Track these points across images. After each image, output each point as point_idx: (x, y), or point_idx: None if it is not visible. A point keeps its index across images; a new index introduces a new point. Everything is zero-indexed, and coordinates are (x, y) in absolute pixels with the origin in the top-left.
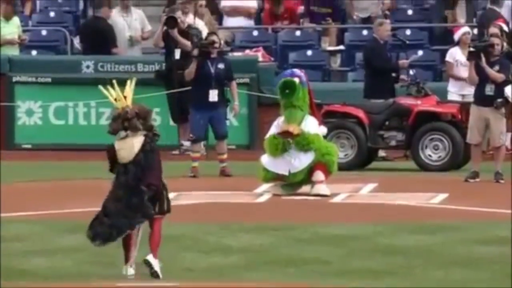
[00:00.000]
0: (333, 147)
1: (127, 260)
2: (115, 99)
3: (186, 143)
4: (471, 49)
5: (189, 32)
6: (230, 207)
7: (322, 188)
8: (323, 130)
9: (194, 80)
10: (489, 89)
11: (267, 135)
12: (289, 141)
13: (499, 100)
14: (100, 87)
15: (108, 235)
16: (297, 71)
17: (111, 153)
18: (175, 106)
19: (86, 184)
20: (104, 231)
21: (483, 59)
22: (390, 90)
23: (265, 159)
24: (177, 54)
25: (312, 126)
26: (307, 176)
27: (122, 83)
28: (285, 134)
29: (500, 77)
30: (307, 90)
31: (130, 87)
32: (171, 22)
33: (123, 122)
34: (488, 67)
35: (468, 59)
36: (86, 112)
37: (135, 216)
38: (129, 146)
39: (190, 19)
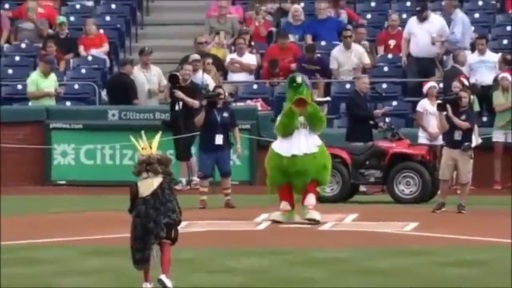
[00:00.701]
0: (327, 153)
1: (146, 278)
2: (142, 148)
3: (195, 179)
4: (439, 101)
5: (194, 88)
6: (233, 234)
7: (315, 214)
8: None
9: (203, 126)
10: (457, 135)
11: (277, 121)
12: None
13: (466, 143)
14: (131, 137)
15: (138, 258)
16: (303, 75)
17: (134, 189)
18: (180, 147)
19: (110, 214)
20: (135, 256)
21: (449, 109)
22: (368, 134)
23: (277, 146)
24: (180, 105)
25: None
26: (313, 166)
27: (142, 128)
28: (299, 101)
29: (465, 125)
30: (310, 92)
31: (156, 139)
32: (173, 79)
33: (146, 166)
34: (454, 117)
35: (438, 109)
36: (112, 154)
37: (150, 238)
38: (149, 184)
39: (199, 74)
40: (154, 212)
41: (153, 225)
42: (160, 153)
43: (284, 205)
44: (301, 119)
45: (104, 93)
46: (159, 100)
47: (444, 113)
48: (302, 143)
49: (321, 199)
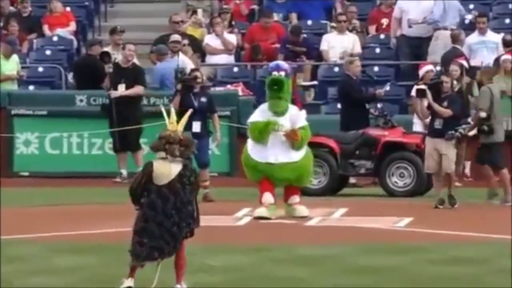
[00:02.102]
0: (310, 157)
1: (178, 279)
2: (170, 122)
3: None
4: (419, 86)
5: (136, 71)
6: (212, 230)
7: (302, 210)
8: (304, 114)
9: (178, 112)
10: (438, 123)
11: (250, 120)
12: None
13: (450, 132)
14: (161, 107)
15: (148, 255)
16: (282, 64)
17: (149, 169)
18: (116, 137)
19: (78, 209)
20: (141, 251)
21: (429, 95)
22: (366, 120)
23: (252, 149)
24: (121, 88)
25: (298, 118)
26: (293, 174)
27: None
28: (291, 136)
29: (447, 112)
30: (291, 79)
31: (186, 117)
32: (104, 57)
33: (165, 143)
34: (435, 104)
35: (417, 95)
36: (79, 143)
37: (176, 243)
38: (167, 169)
39: (180, 57)
40: (177, 214)
41: (176, 230)
42: (184, 135)
43: (267, 197)
44: (281, 120)
45: (70, 77)
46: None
47: (425, 100)
48: (279, 150)
49: (307, 192)
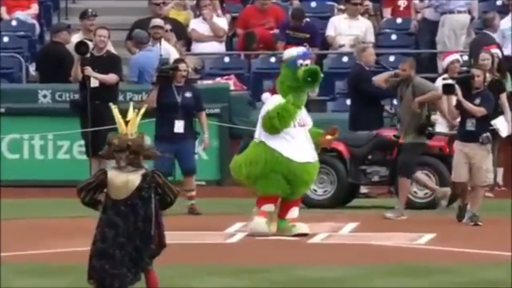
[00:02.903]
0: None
1: None
2: (119, 124)
3: None
4: (447, 81)
5: (111, 59)
6: (199, 248)
7: (303, 227)
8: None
9: (157, 109)
10: (470, 124)
11: (272, 107)
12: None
13: (485, 135)
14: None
15: (107, 283)
16: (308, 51)
17: (101, 179)
18: (90, 139)
19: (43, 224)
20: (108, 280)
21: (459, 92)
22: (379, 119)
23: (276, 143)
24: (95, 82)
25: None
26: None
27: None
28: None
29: (480, 111)
30: None
31: (137, 114)
32: (81, 47)
33: (113, 151)
34: (466, 101)
35: (444, 92)
36: (43, 146)
37: (137, 271)
38: (123, 182)
39: (163, 45)
40: (138, 236)
41: (136, 256)
42: (136, 137)
43: (268, 206)
44: (302, 111)
45: (33, 68)
46: None
47: (453, 97)
48: (307, 147)
49: (309, 203)
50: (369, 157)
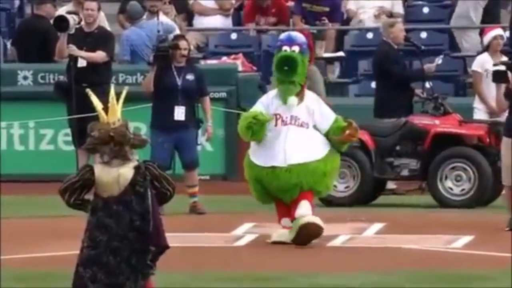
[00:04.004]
0: (337, 159)
1: None
2: (100, 112)
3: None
4: (497, 68)
5: (103, 36)
6: (202, 252)
7: (313, 218)
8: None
9: (154, 93)
10: None
11: (249, 112)
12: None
13: None
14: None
15: None
16: (297, 36)
17: (85, 175)
18: (76, 127)
19: (23, 224)
20: None
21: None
22: (408, 105)
23: (252, 147)
24: (82, 61)
25: (321, 107)
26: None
27: None
28: (350, 136)
29: None
30: (309, 56)
31: (117, 99)
32: (61, 23)
33: (97, 144)
34: None
35: (494, 80)
36: (23, 135)
37: (136, 278)
38: (113, 177)
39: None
40: (136, 237)
41: (136, 260)
42: (119, 126)
43: (286, 221)
44: (294, 110)
45: (10, 46)
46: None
47: (502, 85)
48: (289, 147)
49: (329, 201)
50: (397, 148)
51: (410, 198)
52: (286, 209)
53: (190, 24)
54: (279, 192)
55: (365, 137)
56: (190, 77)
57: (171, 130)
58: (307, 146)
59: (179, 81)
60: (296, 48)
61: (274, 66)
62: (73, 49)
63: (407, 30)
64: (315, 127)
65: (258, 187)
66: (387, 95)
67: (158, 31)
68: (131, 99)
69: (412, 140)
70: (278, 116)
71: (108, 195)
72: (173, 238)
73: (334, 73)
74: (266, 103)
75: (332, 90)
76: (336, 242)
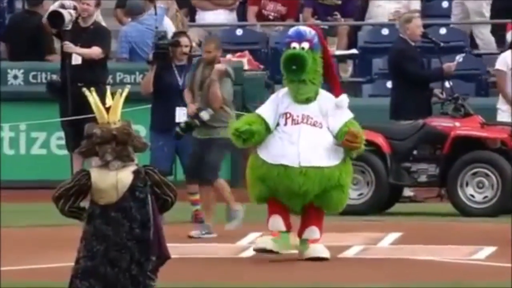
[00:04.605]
0: (350, 170)
1: None
2: (99, 112)
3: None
4: None
5: (99, 32)
6: (206, 263)
7: (320, 250)
8: (345, 100)
9: (154, 94)
10: None
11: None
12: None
13: None
14: (85, 89)
15: None
16: (306, 31)
17: (81, 181)
18: (70, 129)
19: (17, 234)
20: None
21: None
22: (426, 107)
23: (262, 149)
24: (77, 57)
25: (337, 106)
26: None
27: None
28: (350, 142)
29: None
30: (321, 51)
31: (119, 97)
32: (54, 19)
33: (95, 144)
34: None
35: None
36: (13, 138)
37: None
38: (111, 181)
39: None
40: (136, 245)
41: (137, 270)
42: (121, 125)
43: (275, 222)
44: (306, 110)
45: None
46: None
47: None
48: (303, 146)
49: (342, 210)
50: (415, 152)
51: (428, 206)
52: (282, 207)
53: (192, 19)
54: (288, 196)
55: (380, 140)
56: None
57: (172, 133)
58: (322, 149)
59: (180, 81)
60: (305, 45)
61: (281, 65)
62: (68, 46)
63: (425, 26)
64: (328, 129)
65: (261, 186)
66: (404, 95)
67: (156, 27)
68: (129, 99)
69: (431, 143)
70: (288, 115)
71: (106, 202)
72: (173, 249)
73: (347, 71)
74: (276, 102)
75: (345, 90)
76: (349, 253)
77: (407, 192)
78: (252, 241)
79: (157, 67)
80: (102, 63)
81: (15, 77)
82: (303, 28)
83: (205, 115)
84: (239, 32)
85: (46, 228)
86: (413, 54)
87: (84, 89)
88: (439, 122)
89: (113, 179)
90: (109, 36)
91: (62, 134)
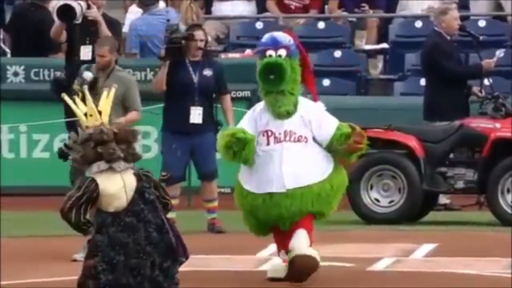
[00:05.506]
0: (343, 176)
1: None
2: (86, 114)
3: None
4: None
5: (110, 25)
6: (222, 276)
7: (305, 248)
8: (322, 107)
9: (166, 92)
10: None
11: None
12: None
13: None
14: (64, 95)
15: None
16: (281, 37)
17: (91, 187)
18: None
19: (18, 244)
20: None
21: None
22: (463, 106)
23: (243, 171)
24: (87, 52)
25: (320, 116)
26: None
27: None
28: (355, 144)
29: None
30: (299, 58)
31: (107, 98)
32: (67, 12)
33: (95, 147)
34: None
35: None
36: (13, 140)
37: None
38: (119, 186)
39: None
40: (154, 249)
41: (160, 274)
42: (117, 124)
43: (284, 254)
44: (286, 124)
45: (1, 37)
46: None
47: None
48: (287, 169)
49: (371, 218)
50: (451, 156)
51: (465, 215)
52: (285, 238)
53: (208, 11)
54: (278, 220)
55: (413, 143)
56: (207, 73)
57: (186, 135)
58: (308, 165)
59: (195, 78)
60: (282, 52)
61: (258, 75)
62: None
63: (462, 18)
64: (314, 139)
65: (252, 219)
66: (439, 94)
67: (168, 20)
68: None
69: (469, 146)
70: (269, 133)
71: (115, 208)
72: (188, 261)
73: (377, 68)
74: (254, 118)
75: (375, 88)
76: (379, 266)
77: (443, 199)
78: (272, 253)
79: (170, 63)
80: (112, 59)
81: (16, 74)
82: (278, 34)
83: (87, 76)
84: (259, 25)
85: (48, 238)
86: (449, 49)
87: (63, 95)
88: (477, 123)
89: (121, 182)
90: (120, 28)
91: (66, 136)
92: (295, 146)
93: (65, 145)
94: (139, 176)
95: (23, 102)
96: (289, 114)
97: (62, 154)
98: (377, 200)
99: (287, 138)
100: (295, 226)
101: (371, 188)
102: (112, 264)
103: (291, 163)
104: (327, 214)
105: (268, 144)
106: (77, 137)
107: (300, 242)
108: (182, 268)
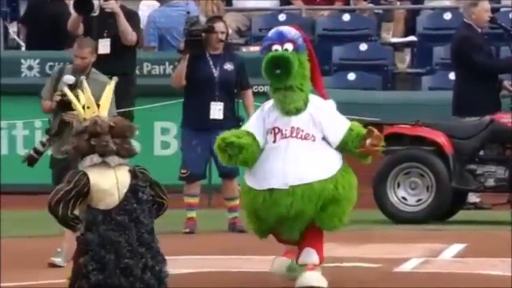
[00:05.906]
0: (350, 180)
1: None
2: (84, 106)
3: None
4: None
5: (129, 16)
6: (243, 277)
7: (314, 278)
8: (333, 105)
9: (186, 87)
10: None
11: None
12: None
13: None
14: (65, 88)
15: None
16: (287, 31)
17: (82, 180)
18: None
19: (18, 245)
20: None
21: None
22: (494, 101)
23: (248, 171)
24: (105, 45)
25: (331, 115)
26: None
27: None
28: (372, 146)
29: None
30: (307, 54)
31: (109, 91)
32: (85, 5)
33: (89, 139)
34: None
35: None
36: (28, 136)
37: None
38: (111, 182)
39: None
40: (147, 250)
41: (151, 278)
42: (114, 117)
43: (278, 264)
44: (295, 121)
45: (14, 30)
46: None
47: None
48: (290, 165)
49: (398, 218)
50: (481, 152)
51: (496, 214)
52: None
53: (229, 3)
54: (279, 224)
55: (442, 139)
56: (229, 67)
57: (207, 131)
58: (312, 162)
59: (215, 72)
60: (289, 46)
61: (263, 71)
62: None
63: (493, 10)
64: (324, 139)
65: (255, 220)
66: (469, 88)
67: (188, 12)
68: (158, 94)
69: (499, 143)
70: (276, 130)
71: (107, 205)
72: (207, 262)
73: (404, 62)
74: (262, 117)
75: (402, 83)
76: (406, 267)
77: (472, 198)
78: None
79: (190, 56)
80: (132, 52)
81: (30, 68)
82: (285, 28)
83: (68, 79)
84: (282, 17)
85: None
86: (480, 42)
87: (82, 78)
88: (509, 119)
89: (113, 178)
90: (139, 20)
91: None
92: (301, 143)
93: (35, 149)
94: (134, 173)
95: (37, 97)
96: (298, 111)
97: (30, 159)
98: (404, 199)
99: (294, 135)
100: (302, 242)
101: (398, 186)
102: (102, 263)
103: (295, 160)
104: (336, 226)
105: (274, 141)
106: (45, 140)
107: (309, 273)
108: (193, 270)
